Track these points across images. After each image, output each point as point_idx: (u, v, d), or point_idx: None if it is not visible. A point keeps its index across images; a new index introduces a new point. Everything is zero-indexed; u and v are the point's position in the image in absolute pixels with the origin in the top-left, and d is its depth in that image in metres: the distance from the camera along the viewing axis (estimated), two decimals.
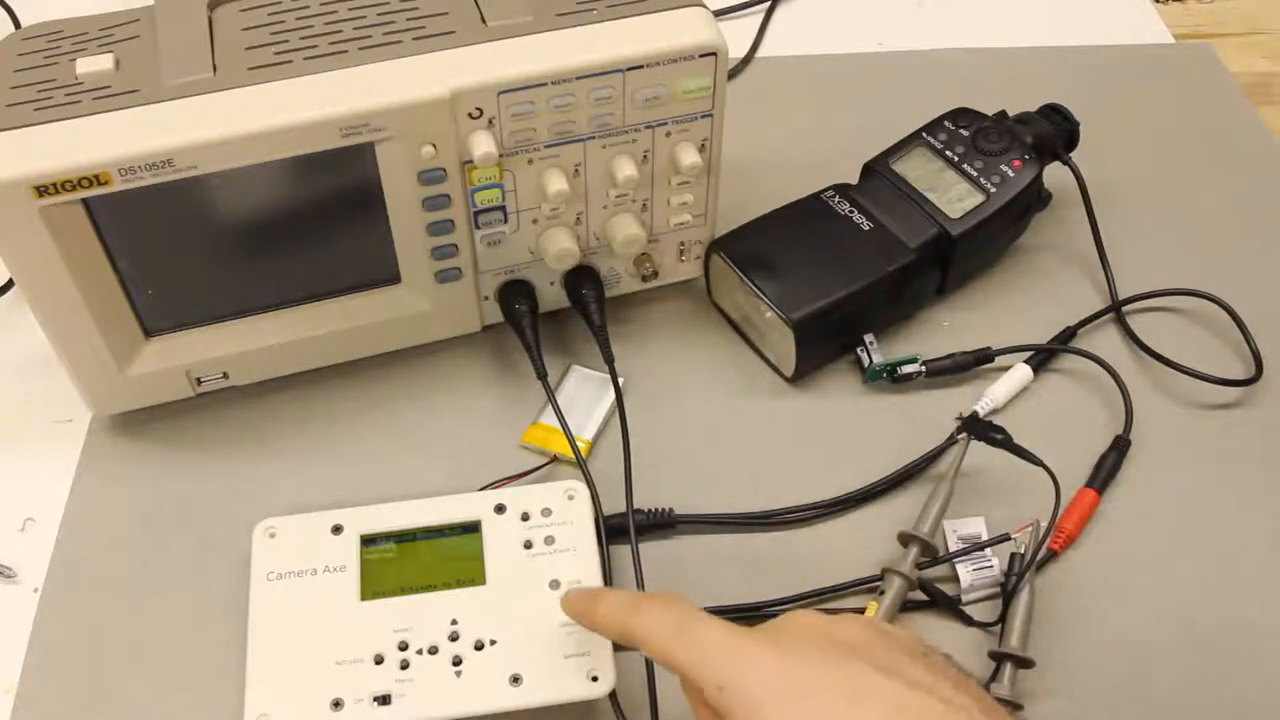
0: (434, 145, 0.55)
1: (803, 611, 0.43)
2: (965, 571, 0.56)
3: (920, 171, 0.67)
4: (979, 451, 0.58)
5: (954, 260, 0.66)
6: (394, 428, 0.63)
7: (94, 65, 0.54)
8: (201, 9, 0.57)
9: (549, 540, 0.54)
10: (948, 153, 0.68)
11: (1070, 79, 0.83)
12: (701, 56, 0.57)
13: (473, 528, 0.55)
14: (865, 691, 0.38)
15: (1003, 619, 0.55)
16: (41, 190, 0.50)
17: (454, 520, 0.55)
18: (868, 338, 0.65)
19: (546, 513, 0.55)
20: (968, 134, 0.68)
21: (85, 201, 0.53)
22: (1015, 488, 0.59)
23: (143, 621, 0.56)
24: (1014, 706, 0.52)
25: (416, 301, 0.62)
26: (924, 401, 0.64)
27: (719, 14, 0.84)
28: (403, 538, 0.55)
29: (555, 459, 0.61)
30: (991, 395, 0.64)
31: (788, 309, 0.61)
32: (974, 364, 0.65)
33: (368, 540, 0.54)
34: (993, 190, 0.66)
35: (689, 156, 0.60)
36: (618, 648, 0.52)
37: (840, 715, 0.38)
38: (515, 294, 0.63)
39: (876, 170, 0.68)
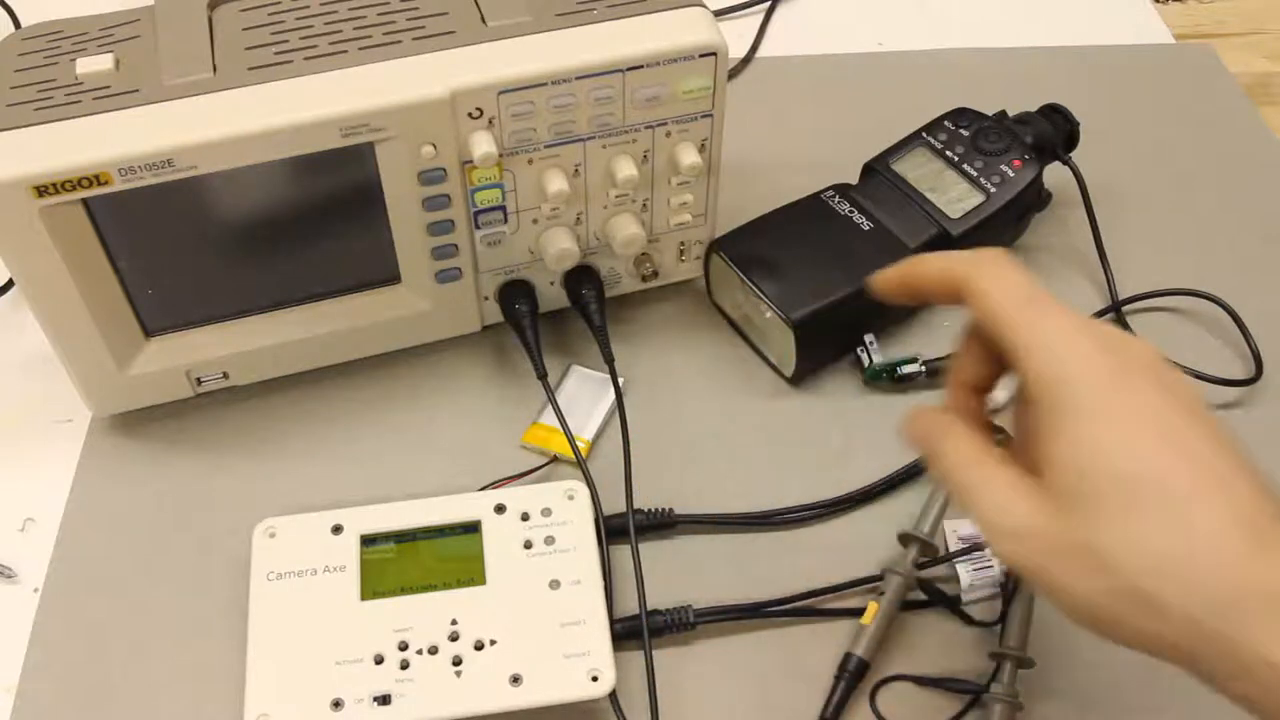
0: (434, 145, 0.55)
1: (1150, 348, 0.39)
2: (965, 571, 0.56)
3: (920, 171, 0.67)
4: None
5: None
6: (394, 428, 0.63)
7: (94, 65, 0.54)
8: (201, 9, 0.57)
9: (549, 540, 0.54)
10: (948, 153, 0.68)
11: (1070, 79, 0.83)
12: (701, 56, 0.57)
13: (473, 528, 0.55)
14: (1179, 437, 0.36)
15: (1003, 619, 0.55)
16: (41, 190, 0.50)
17: (454, 520, 0.55)
18: (868, 338, 0.65)
19: (546, 513, 0.55)
20: (968, 134, 0.68)
21: (85, 201, 0.53)
22: None
23: (143, 621, 0.56)
24: (1014, 707, 0.52)
25: (416, 301, 0.62)
26: (924, 401, 0.64)
27: (719, 14, 0.84)
28: (403, 538, 0.55)
29: (555, 459, 0.61)
30: (991, 395, 0.63)
31: (788, 309, 0.61)
32: None
33: (368, 540, 0.54)
34: (993, 190, 0.66)
35: (689, 156, 0.60)
36: (618, 646, 0.52)
37: (1149, 446, 0.36)
38: (515, 294, 0.63)
39: (876, 170, 0.68)
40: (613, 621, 0.53)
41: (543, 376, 0.61)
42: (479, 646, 0.51)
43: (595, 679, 0.50)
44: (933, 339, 0.67)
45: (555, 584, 0.53)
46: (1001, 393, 0.64)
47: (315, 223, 0.58)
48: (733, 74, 0.83)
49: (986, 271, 0.41)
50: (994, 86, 0.76)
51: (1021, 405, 0.40)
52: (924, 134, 0.69)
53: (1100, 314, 0.68)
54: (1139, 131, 0.80)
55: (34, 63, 0.55)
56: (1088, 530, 0.36)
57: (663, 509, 0.58)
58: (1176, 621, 0.35)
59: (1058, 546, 0.37)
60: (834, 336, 0.65)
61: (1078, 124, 0.71)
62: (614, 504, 0.58)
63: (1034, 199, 0.69)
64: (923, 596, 0.56)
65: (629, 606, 0.55)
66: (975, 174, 0.67)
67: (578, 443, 0.60)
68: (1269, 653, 0.33)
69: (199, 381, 0.61)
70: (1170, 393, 0.38)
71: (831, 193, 0.67)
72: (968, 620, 0.56)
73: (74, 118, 0.52)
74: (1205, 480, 0.36)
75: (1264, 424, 0.63)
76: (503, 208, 0.59)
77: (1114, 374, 0.37)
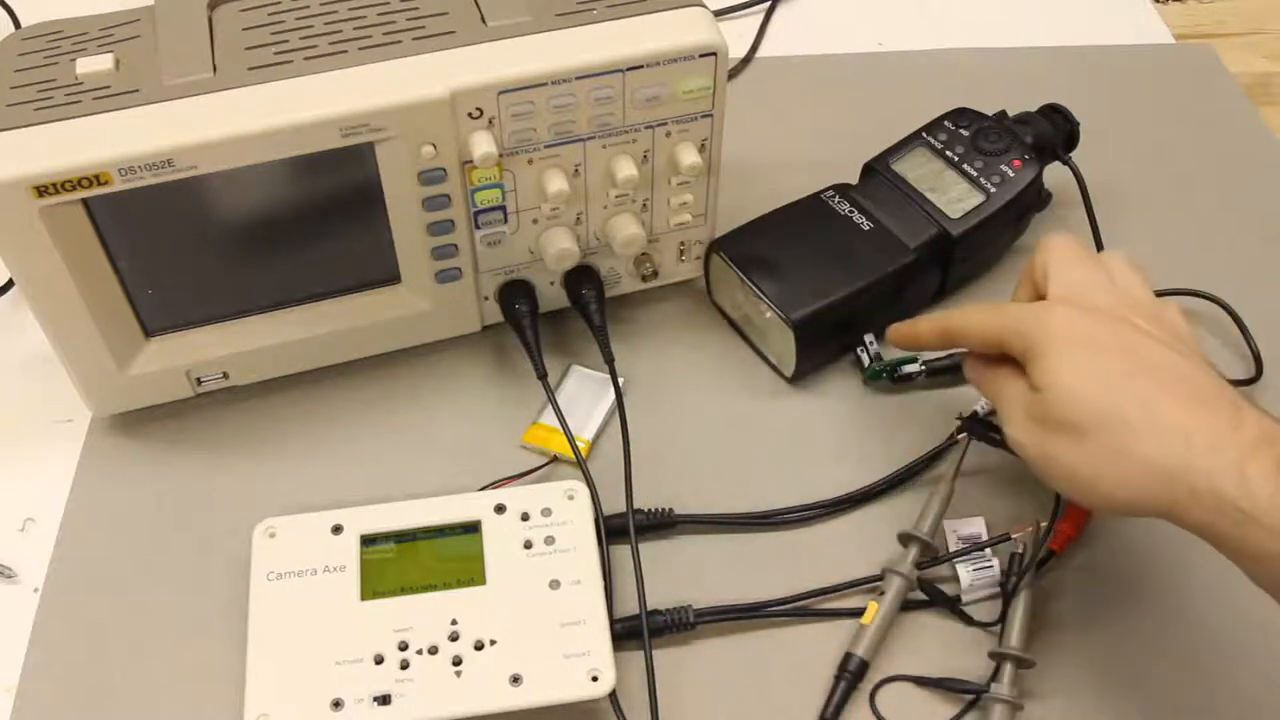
0: (434, 145, 0.55)
1: (1122, 305, 0.50)
2: (965, 571, 0.56)
3: (920, 171, 0.67)
4: (979, 451, 0.58)
5: (954, 260, 0.66)
6: (394, 428, 0.63)
7: (94, 65, 0.54)
8: (201, 9, 0.57)
9: (549, 540, 0.54)
10: (948, 153, 0.68)
11: (1070, 79, 0.83)
12: (701, 56, 0.57)
13: (473, 528, 0.55)
14: (1141, 350, 0.47)
15: (1003, 619, 0.55)
16: (41, 190, 0.50)
17: (454, 520, 0.55)
18: (868, 338, 0.65)
19: (546, 513, 0.55)
20: (968, 134, 0.68)
21: (85, 201, 0.53)
22: (1015, 488, 0.59)
23: (143, 621, 0.56)
24: (1014, 707, 0.52)
25: (416, 301, 0.62)
26: (924, 401, 0.64)
27: (719, 14, 0.84)
28: (403, 538, 0.55)
29: (555, 459, 0.61)
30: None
31: (788, 309, 0.61)
32: None
33: (368, 540, 0.54)
34: (993, 190, 0.66)
35: (689, 156, 0.60)
36: (618, 646, 0.52)
37: (1115, 364, 0.47)
38: (515, 294, 0.63)
39: (876, 170, 0.68)
40: (613, 621, 0.53)
41: (543, 376, 0.61)
42: (479, 646, 0.51)
43: (595, 679, 0.50)
44: None
45: (555, 584, 0.53)
46: None
47: (315, 223, 0.58)
48: (733, 74, 0.83)
49: (953, 314, 0.55)
50: (994, 86, 0.76)
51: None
52: (924, 134, 0.69)
53: None
54: (1139, 131, 0.80)
55: (34, 63, 0.55)
56: (1070, 411, 0.47)
57: (663, 509, 0.58)
58: (1147, 467, 0.45)
59: (1049, 421, 0.47)
60: (834, 336, 0.65)
61: (1078, 124, 0.71)
62: (614, 504, 0.58)
63: (1034, 199, 0.69)
64: (923, 596, 0.56)
65: (629, 606, 0.55)
66: (975, 174, 0.67)
67: (578, 443, 0.60)
68: (1220, 484, 0.43)
69: (199, 381, 0.61)
70: (1126, 318, 0.49)
71: (831, 193, 0.67)
72: (968, 620, 0.56)
73: (74, 118, 0.52)
74: (1161, 373, 0.46)
75: None
76: (503, 208, 0.59)
77: (1074, 311, 0.49)
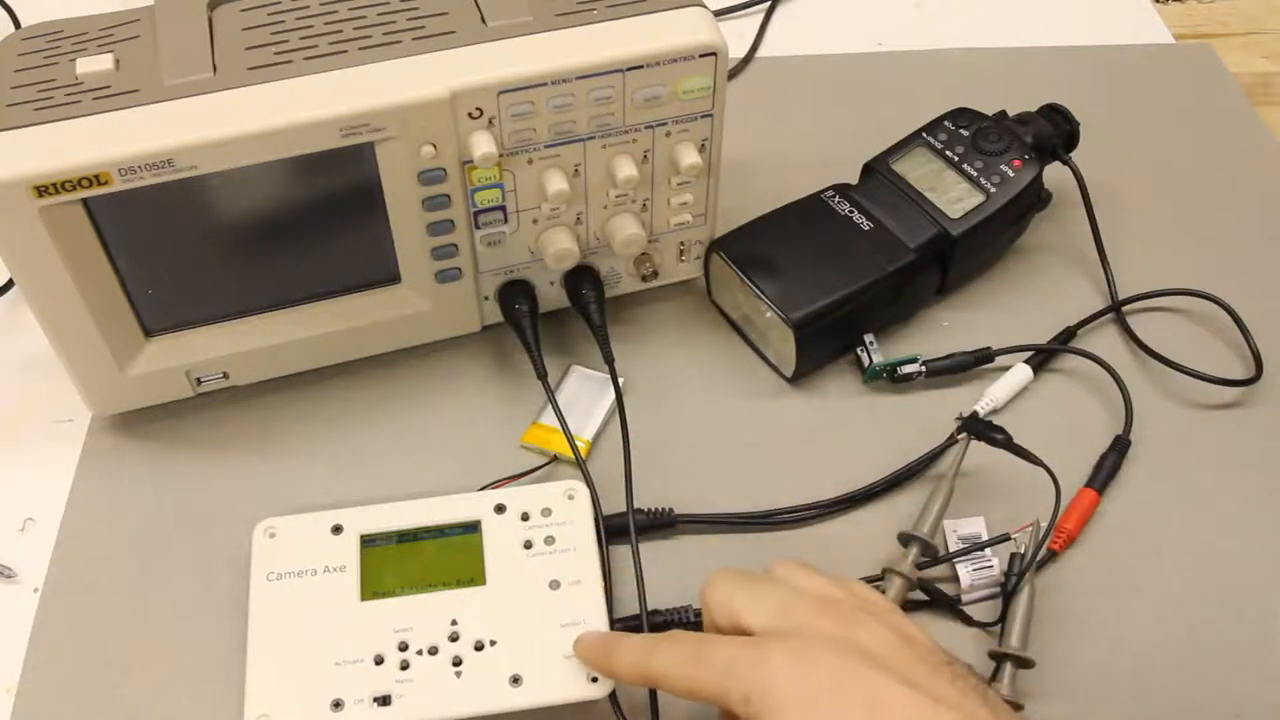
0: (434, 145, 0.55)
1: (830, 615, 0.43)
2: (965, 571, 0.56)
3: (920, 171, 0.67)
4: (979, 451, 0.58)
5: (954, 260, 0.66)
6: (394, 428, 0.63)
7: (94, 65, 0.54)
8: (201, 9, 0.57)
9: (549, 540, 0.54)
10: (948, 153, 0.68)
11: (1070, 79, 0.83)
12: (701, 56, 0.57)
13: (473, 528, 0.55)
14: (886, 702, 0.39)
15: (1003, 619, 0.55)
16: (41, 190, 0.50)
17: (454, 520, 0.55)
18: (868, 338, 0.65)
19: (546, 513, 0.55)
20: (968, 134, 0.68)
21: (85, 201, 0.53)
22: (1015, 488, 0.59)
23: (143, 621, 0.56)
24: (1014, 706, 0.52)
25: (416, 301, 0.62)
26: (924, 401, 0.64)
27: (719, 14, 0.84)
28: (403, 538, 0.55)
29: (555, 459, 0.61)
30: (991, 395, 0.64)
31: (788, 309, 0.62)
32: (974, 364, 0.65)
33: (368, 540, 0.54)
34: (993, 190, 0.66)
35: (689, 156, 0.60)
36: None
37: None
38: (515, 294, 0.63)
39: (876, 170, 0.68)
40: (613, 621, 0.53)
41: (543, 376, 0.61)
42: (479, 647, 0.51)
43: (595, 679, 0.50)
44: (933, 339, 0.67)
45: (555, 584, 0.53)
46: (1000, 391, 0.64)
47: (315, 223, 0.58)
48: (733, 74, 0.83)
49: (653, 660, 0.45)
50: (994, 86, 0.76)
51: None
52: (924, 134, 0.69)
53: (1100, 314, 0.68)
54: (1139, 131, 0.80)
55: (34, 63, 0.55)
56: None
57: (663, 509, 0.58)
58: None
59: None
60: (834, 336, 0.65)
61: (1078, 124, 0.71)
62: (614, 504, 0.58)
63: (1034, 199, 0.69)
64: (923, 596, 0.56)
65: (629, 606, 0.55)
66: (975, 174, 0.67)
67: (578, 443, 0.60)
68: None
69: (199, 381, 0.61)
70: (860, 654, 0.41)
71: (831, 193, 0.67)
72: (968, 620, 0.56)
73: (74, 118, 0.52)
74: None
75: (1264, 424, 0.64)
76: (503, 208, 0.59)
77: (798, 663, 0.40)
